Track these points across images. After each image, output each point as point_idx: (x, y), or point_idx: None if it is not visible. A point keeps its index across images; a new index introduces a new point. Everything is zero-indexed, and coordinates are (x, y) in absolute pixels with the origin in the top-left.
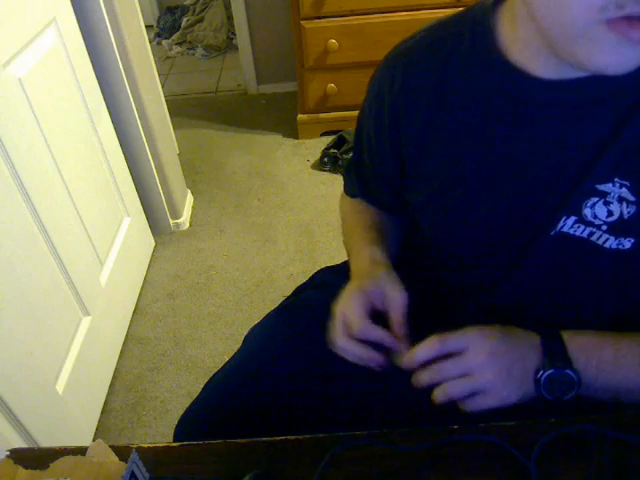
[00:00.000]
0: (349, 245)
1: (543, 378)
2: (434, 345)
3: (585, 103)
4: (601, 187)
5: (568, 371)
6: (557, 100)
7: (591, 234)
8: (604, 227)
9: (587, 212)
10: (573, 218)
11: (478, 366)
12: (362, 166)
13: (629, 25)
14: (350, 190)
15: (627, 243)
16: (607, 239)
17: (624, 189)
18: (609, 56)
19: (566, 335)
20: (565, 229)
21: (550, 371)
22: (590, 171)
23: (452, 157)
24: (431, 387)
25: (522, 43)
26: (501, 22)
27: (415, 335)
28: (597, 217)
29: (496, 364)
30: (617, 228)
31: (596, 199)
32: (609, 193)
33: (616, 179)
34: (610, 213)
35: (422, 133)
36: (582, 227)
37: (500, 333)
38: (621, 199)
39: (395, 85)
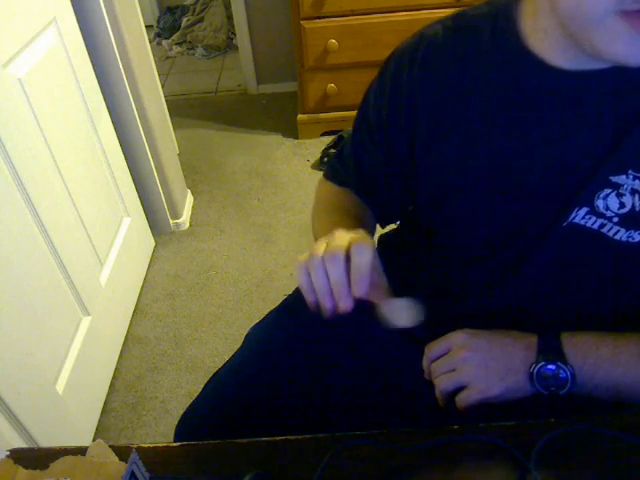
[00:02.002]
0: (320, 225)
1: (535, 371)
2: (426, 353)
3: (603, 94)
4: (614, 179)
5: (559, 364)
6: (575, 90)
7: (602, 226)
8: (615, 219)
9: (599, 203)
10: (585, 209)
11: (460, 361)
12: (361, 154)
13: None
14: (336, 176)
15: (637, 236)
16: (618, 231)
17: (637, 181)
18: (625, 47)
19: (565, 335)
20: (577, 220)
21: (541, 364)
22: (604, 162)
23: (466, 146)
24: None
25: (543, 33)
26: (523, 13)
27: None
28: (609, 209)
29: (476, 358)
30: (628, 220)
31: (609, 190)
32: (622, 185)
33: (630, 171)
34: (622, 205)
35: (437, 120)
36: (593, 218)
37: (484, 332)
38: (634, 191)
39: (415, 67)
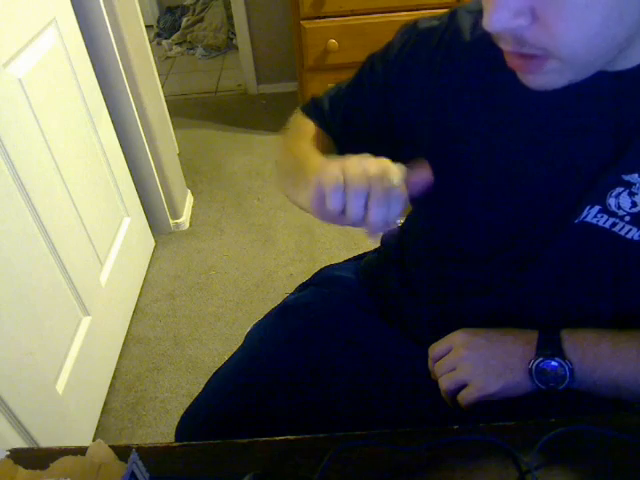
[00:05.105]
0: (300, 149)
1: (534, 367)
2: (429, 354)
3: (614, 93)
4: (626, 177)
5: (557, 359)
6: (587, 89)
7: (614, 224)
8: (627, 218)
9: (611, 202)
10: (597, 207)
11: (460, 360)
12: (355, 108)
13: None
14: (320, 117)
15: None
16: (629, 230)
17: None
18: (519, 77)
19: (564, 331)
20: (588, 219)
21: (540, 359)
22: (616, 161)
23: (473, 145)
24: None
25: None
26: None
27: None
28: (621, 207)
29: (475, 357)
30: None
31: (621, 189)
32: (634, 184)
33: None
34: (634, 204)
35: (452, 114)
36: (605, 217)
37: (484, 330)
38: None
39: (438, 52)
